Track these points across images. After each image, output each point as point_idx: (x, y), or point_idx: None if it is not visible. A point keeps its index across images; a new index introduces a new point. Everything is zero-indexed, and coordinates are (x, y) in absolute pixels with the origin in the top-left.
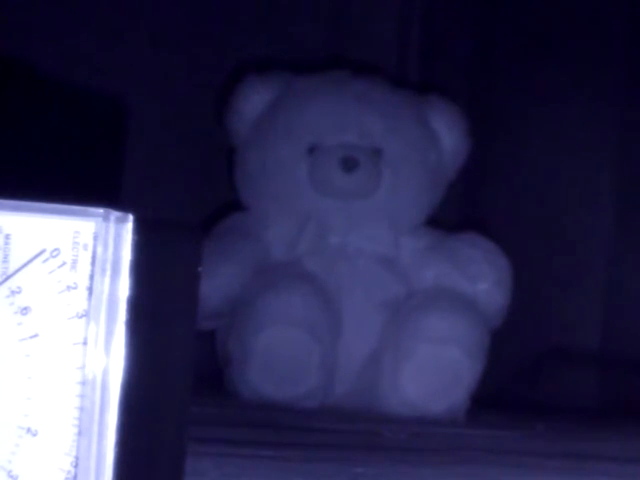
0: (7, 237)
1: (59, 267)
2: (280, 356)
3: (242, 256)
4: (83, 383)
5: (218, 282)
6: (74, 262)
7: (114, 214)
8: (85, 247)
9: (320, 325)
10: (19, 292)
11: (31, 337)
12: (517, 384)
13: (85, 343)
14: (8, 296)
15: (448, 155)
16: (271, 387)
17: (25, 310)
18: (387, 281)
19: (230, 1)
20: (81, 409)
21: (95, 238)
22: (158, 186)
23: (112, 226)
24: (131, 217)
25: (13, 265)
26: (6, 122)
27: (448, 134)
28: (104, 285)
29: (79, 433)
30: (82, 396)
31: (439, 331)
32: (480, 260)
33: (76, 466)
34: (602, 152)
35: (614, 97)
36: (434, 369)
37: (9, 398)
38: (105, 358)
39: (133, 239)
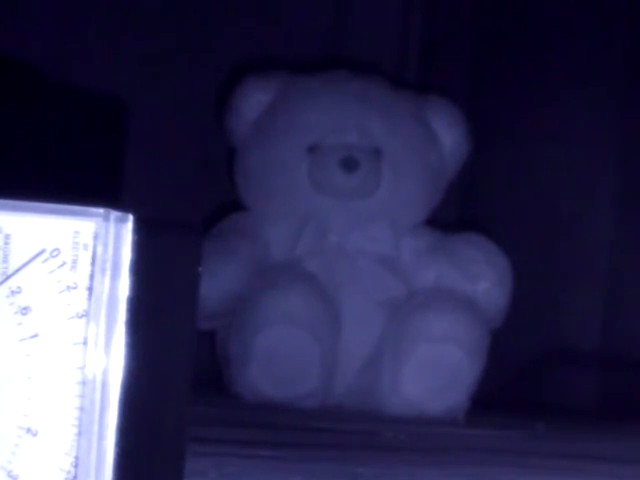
0: (7, 237)
1: (59, 267)
2: (280, 356)
3: (242, 256)
4: (83, 383)
5: (218, 282)
6: (74, 262)
7: (114, 214)
8: (85, 247)
9: (320, 325)
10: (19, 292)
11: (31, 337)
12: (517, 384)
13: (85, 343)
14: (8, 296)
15: (448, 155)
16: (271, 387)
17: (25, 310)
18: (387, 281)
19: (230, 1)
20: (81, 409)
21: (95, 238)
22: (158, 186)
23: (112, 226)
24: (131, 217)
25: (13, 265)
26: (6, 122)
27: (448, 134)
28: (104, 285)
29: (79, 433)
30: (82, 396)
31: (439, 331)
32: (480, 260)
33: (76, 466)
34: (602, 152)
35: (615, 96)
36: (434, 369)
37: (9, 398)
38: (105, 358)
39: (133, 239)
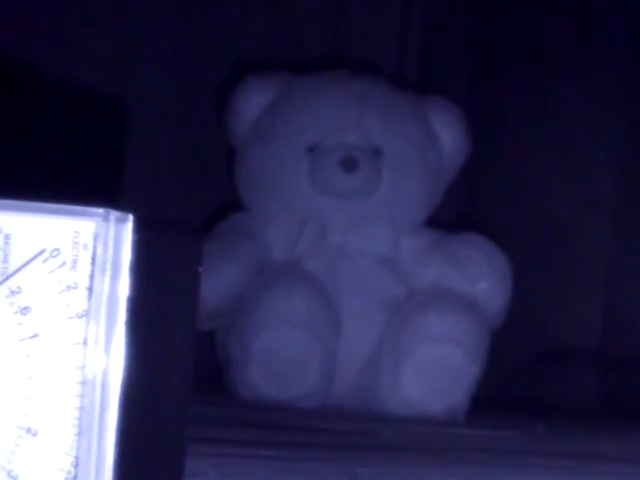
0: (7, 237)
1: (59, 267)
2: (280, 356)
3: (242, 256)
4: (83, 383)
5: (218, 282)
6: (74, 262)
7: (114, 214)
8: (85, 247)
9: (320, 325)
10: (19, 292)
11: (31, 337)
12: (517, 384)
13: (85, 343)
14: (8, 296)
15: (448, 155)
16: (271, 387)
17: (25, 310)
18: (387, 281)
19: (230, 1)
20: (81, 409)
21: (95, 238)
22: (158, 186)
23: (112, 226)
24: (131, 217)
25: (13, 265)
26: (6, 122)
27: (448, 134)
28: (104, 285)
29: (79, 433)
30: (82, 396)
31: (439, 331)
32: (480, 260)
33: (76, 466)
34: (602, 152)
35: (614, 95)
36: (434, 369)
37: (9, 398)
38: (105, 358)
39: (133, 239)
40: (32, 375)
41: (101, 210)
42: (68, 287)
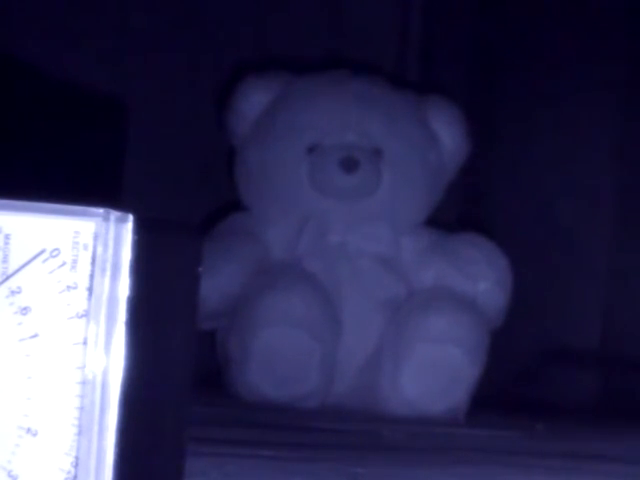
0: (7, 237)
1: (59, 267)
2: (280, 356)
3: (242, 256)
4: (83, 383)
5: (218, 282)
6: (74, 262)
7: (114, 214)
8: (85, 247)
9: (320, 325)
10: (19, 292)
11: (31, 337)
12: (517, 384)
13: (85, 343)
14: (8, 296)
15: (448, 155)
16: (271, 387)
17: (25, 310)
18: (387, 281)
19: (230, 1)
20: (81, 409)
21: (95, 238)
22: (158, 186)
23: (112, 226)
24: (131, 217)
25: (13, 265)
26: (6, 122)
27: (448, 134)
28: (104, 285)
29: (79, 433)
30: (82, 396)
31: (439, 331)
32: (480, 260)
33: (76, 466)
34: (602, 152)
35: (615, 94)
36: (434, 369)
37: (9, 398)
38: (105, 358)
39: (133, 239)
40: (32, 375)
41: (101, 210)
42: (68, 287)
